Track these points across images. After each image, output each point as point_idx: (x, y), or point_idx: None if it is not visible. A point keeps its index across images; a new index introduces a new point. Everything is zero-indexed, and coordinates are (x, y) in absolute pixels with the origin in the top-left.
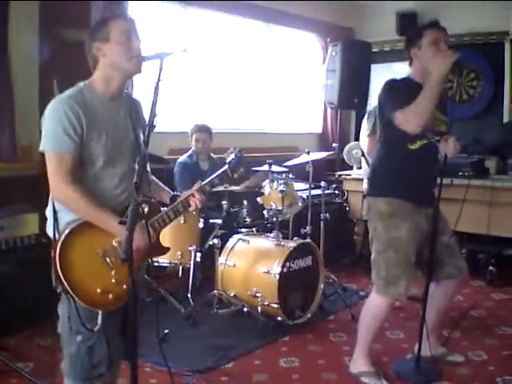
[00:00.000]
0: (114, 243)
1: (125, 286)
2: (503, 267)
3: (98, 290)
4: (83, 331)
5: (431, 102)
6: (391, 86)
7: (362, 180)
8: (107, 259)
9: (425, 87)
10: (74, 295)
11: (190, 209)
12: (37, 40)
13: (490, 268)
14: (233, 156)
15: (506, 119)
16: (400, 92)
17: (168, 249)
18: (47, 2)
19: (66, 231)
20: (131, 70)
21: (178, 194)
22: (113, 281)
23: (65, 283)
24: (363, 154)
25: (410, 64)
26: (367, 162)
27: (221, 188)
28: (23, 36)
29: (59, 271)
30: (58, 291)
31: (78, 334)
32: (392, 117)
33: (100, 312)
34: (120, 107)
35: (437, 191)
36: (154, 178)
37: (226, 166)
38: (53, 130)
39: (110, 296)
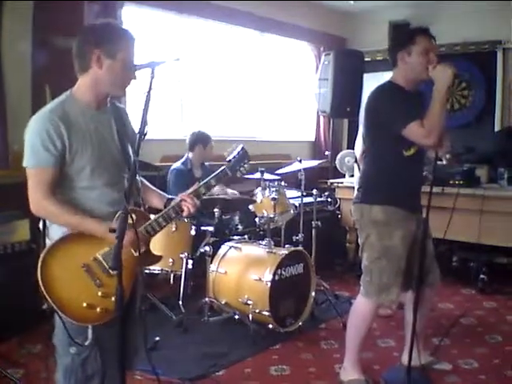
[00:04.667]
0: (98, 256)
1: (113, 299)
2: (494, 275)
3: (84, 305)
4: (88, 344)
5: (443, 113)
6: (390, 96)
7: (354, 188)
8: (92, 273)
9: (433, 100)
10: (59, 311)
11: (184, 214)
12: (30, 46)
13: (481, 276)
14: (235, 154)
15: (497, 128)
16: (404, 103)
17: (160, 257)
18: (40, 9)
19: (46, 248)
20: (119, 94)
21: (173, 197)
22: (99, 294)
23: (49, 299)
24: (356, 161)
25: (394, 66)
26: (359, 168)
27: (213, 195)
28: (16, 42)
29: (42, 287)
30: (44, 307)
31: (72, 346)
32: (401, 129)
33: (90, 326)
34: (105, 116)
35: (427, 199)
36: (146, 182)
37: (224, 167)
38: (32, 147)
39: (98, 310)
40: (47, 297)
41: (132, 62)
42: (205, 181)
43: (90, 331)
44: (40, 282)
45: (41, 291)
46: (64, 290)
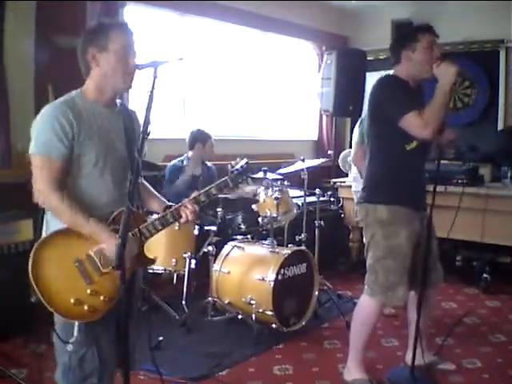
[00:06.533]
0: (91, 253)
1: (102, 298)
2: (497, 275)
3: (72, 301)
4: (73, 341)
5: (442, 108)
6: (391, 86)
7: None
8: (83, 269)
9: (435, 95)
10: (46, 303)
11: (182, 220)
12: (32, 46)
13: (485, 275)
14: (238, 167)
15: (500, 127)
16: (404, 94)
17: (154, 260)
18: (43, 8)
19: (41, 239)
20: (122, 86)
21: (172, 204)
22: (88, 291)
23: (37, 290)
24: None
25: (397, 63)
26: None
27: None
28: (19, 42)
29: (31, 278)
30: (32, 300)
31: (68, 343)
32: (399, 118)
33: (76, 323)
34: (113, 116)
35: (430, 198)
36: (148, 185)
37: (227, 177)
38: (44, 136)
39: (85, 307)
40: (35, 288)
41: (127, 51)
42: (205, 189)
43: (75, 328)
44: (30, 273)
45: (30, 282)
46: (53, 283)
